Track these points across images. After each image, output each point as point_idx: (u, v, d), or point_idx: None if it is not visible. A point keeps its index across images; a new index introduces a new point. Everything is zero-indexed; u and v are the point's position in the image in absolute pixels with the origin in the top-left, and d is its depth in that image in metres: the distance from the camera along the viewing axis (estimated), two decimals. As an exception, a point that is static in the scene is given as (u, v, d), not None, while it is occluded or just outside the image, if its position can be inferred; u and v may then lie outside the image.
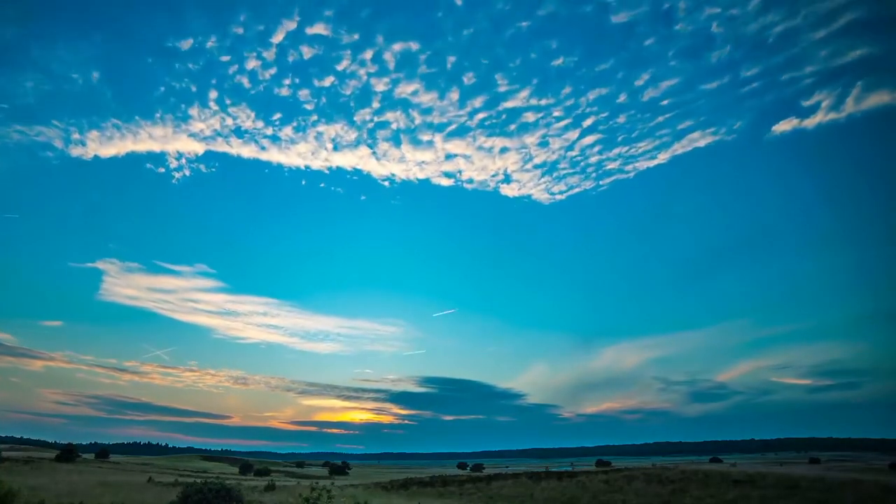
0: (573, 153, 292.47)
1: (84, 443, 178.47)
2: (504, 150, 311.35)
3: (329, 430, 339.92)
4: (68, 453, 50.12)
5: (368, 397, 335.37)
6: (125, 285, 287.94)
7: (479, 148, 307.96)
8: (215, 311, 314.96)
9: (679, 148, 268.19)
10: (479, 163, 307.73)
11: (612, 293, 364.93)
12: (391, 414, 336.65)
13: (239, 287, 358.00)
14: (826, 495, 24.13)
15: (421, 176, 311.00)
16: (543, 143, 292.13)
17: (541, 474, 37.47)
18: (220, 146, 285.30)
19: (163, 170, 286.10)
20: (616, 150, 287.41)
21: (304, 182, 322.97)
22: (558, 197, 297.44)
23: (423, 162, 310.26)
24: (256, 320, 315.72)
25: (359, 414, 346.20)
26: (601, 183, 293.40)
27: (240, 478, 48.30)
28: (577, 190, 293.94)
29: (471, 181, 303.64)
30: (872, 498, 23.47)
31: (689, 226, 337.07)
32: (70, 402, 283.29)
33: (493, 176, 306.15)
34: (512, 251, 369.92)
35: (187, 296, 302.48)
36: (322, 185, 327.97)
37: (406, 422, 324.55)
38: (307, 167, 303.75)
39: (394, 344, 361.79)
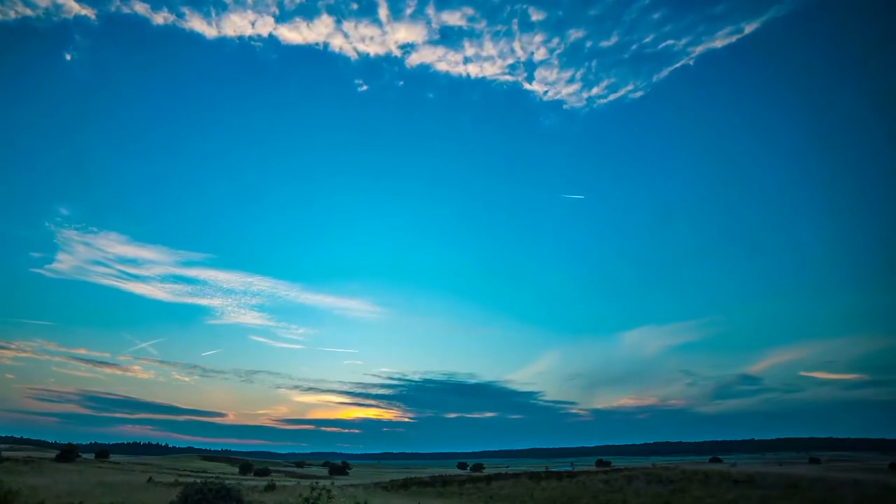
0: (621, 28, 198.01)
1: (66, 442, 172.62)
2: (527, 25, 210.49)
3: (326, 429, 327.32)
4: (68, 453, 50.09)
5: (365, 393, 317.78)
6: (79, 255, 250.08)
7: (490, 16, 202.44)
8: (200, 293, 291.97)
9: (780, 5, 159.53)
10: (490, 45, 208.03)
11: (645, 256, 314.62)
12: (391, 411, 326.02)
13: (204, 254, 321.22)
14: (826, 495, 24.13)
15: (409, 63, 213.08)
16: (580, 7, 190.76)
17: (541, 474, 37.46)
18: (120, 6, 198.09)
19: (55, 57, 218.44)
20: (683, 19, 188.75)
21: (243, 80, 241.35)
22: (600, 102, 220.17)
23: (408, 44, 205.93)
24: (239, 300, 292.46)
25: (356, 411, 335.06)
26: (654, 78, 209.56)
27: (240, 478, 48.28)
28: (622, 91, 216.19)
29: (479, 66, 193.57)
30: (872, 498, 23.46)
31: (756, 153, 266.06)
32: (51, 399, 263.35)
33: (514, 68, 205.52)
34: (528, 194, 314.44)
35: (156, 271, 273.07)
36: (267, 75, 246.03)
37: (405, 419, 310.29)
38: (244, 40, 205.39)
39: (387, 332, 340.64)
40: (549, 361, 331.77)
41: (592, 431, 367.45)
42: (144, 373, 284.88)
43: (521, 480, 34.16)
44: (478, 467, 78.19)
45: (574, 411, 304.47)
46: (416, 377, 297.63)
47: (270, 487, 29.20)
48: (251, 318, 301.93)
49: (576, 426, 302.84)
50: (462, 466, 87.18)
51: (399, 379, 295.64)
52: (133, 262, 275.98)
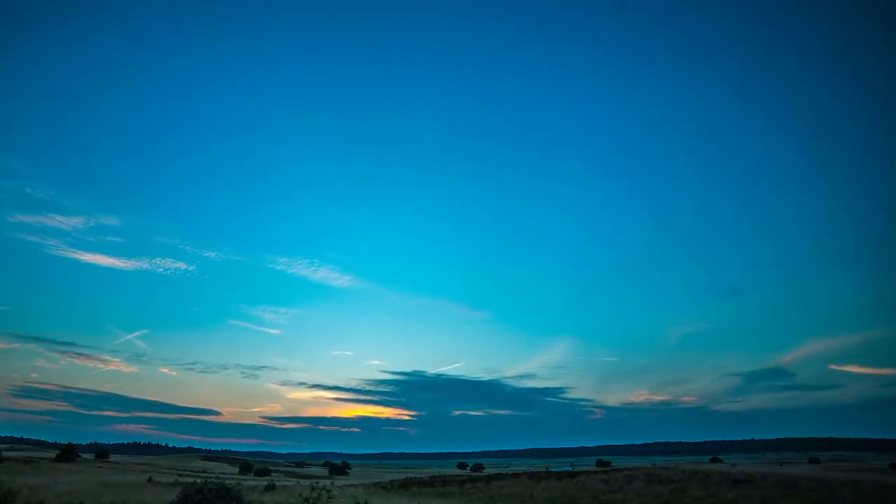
0: None
1: (54, 440, 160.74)
2: None
3: (324, 428, 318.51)
4: (68, 453, 50.09)
5: (362, 389, 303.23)
6: (24, 221, 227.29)
7: None
8: (173, 269, 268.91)
9: None
10: None
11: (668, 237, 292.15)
12: (391, 409, 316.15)
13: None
14: (826, 495, 24.13)
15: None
16: None
17: (541, 474, 37.48)
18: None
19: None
20: None
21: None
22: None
23: None
24: (216, 279, 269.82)
25: (354, 410, 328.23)
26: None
27: (240, 478, 48.27)
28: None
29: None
30: (872, 498, 23.47)
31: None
32: (35, 396, 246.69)
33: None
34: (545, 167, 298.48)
35: (116, 239, 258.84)
36: None
37: (405, 417, 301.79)
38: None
39: (386, 325, 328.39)
40: (559, 356, 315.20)
41: (602, 430, 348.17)
42: (130, 367, 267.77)
43: (521, 480, 34.15)
44: (478, 467, 78.21)
45: (588, 408, 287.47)
46: (417, 372, 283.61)
47: (270, 487, 29.20)
48: (231, 301, 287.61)
49: (587, 425, 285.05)
50: (462, 466, 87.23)
51: (400, 374, 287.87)
52: (86, 229, 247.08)
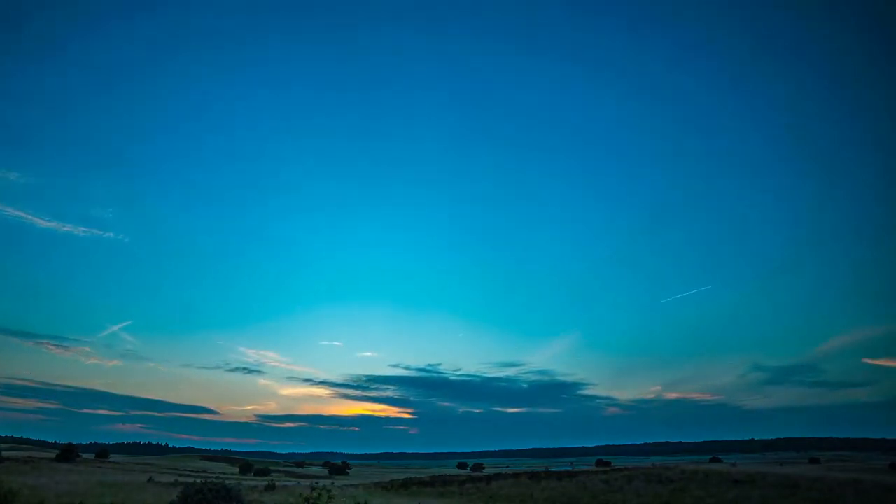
0: None
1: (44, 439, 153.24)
2: None
3: (322, 426, 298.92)
4: (68, 453, 50.05)
5: (361, 387, 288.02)
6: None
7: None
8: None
9: None
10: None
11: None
12: (392, 406, 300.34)
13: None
14: (826, 495, 24.14)
15: None
16: None
17: (541, 474, 37.48)
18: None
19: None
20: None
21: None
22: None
23: None
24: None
25: (354, 408, 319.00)
26: None
27: (240, 478, 48.26)
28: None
29: None
30: (872, 498, 23.47)
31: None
32: (22, 395, 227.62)
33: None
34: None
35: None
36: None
37: (405, 415, 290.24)
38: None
39: (381, 317, 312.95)
40: (566, 349, 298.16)
41: (614, 428, 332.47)
42: (119, 361, 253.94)
43: (521, 480, 34.16)
44: (478, 467, 78.22)
45: (601, 405, 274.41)
46: (417, 368, 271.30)
47: (270, 487, 29.20)
48: (212, 278, 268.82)
49: (599, 422, 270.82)
50: (462, 466, 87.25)
51: (398, 368, 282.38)
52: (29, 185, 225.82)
